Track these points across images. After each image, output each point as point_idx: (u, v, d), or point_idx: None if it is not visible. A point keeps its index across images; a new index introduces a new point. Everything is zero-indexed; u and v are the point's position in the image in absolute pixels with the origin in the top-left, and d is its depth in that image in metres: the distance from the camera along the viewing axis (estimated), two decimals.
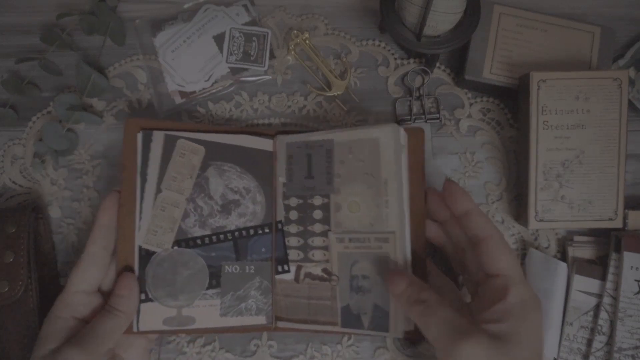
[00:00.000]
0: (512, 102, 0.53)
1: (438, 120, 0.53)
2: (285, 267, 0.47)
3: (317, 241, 0.46)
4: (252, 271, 0.47)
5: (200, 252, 0.46)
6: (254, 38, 0.53)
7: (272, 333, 0.50)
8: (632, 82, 0.52)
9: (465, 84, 0.53)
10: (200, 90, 0.53)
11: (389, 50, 0.55)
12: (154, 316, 0.45)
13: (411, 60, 0.55)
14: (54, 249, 0.51)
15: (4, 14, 0.56)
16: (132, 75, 0.54)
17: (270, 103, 0.54)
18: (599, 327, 0.47)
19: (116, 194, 0.46)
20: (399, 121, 0.53)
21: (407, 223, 0.44)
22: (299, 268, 0.47)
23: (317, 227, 0.47)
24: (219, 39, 0.53)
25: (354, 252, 0.45)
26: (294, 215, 0.47)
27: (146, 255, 0.46)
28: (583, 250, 0.49)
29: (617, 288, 0.47)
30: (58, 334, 0.42)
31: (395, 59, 0.54)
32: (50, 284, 0.50)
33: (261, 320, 0.47)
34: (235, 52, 0.53)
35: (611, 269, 0.47)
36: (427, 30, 0.48)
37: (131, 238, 0.46)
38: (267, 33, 0.53)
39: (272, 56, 0.54)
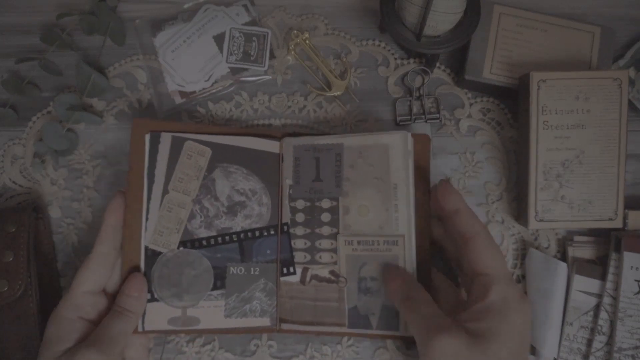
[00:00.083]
0: (512, 102, 0.53)
1: (438, 120, 0.53)
2: (291, 269, 0.47)
3: (325, 243, 0.47)
4: (257, 273, 0.47)
5: (205, 253, 0.47)
6: (254, 38, 0.53)
7: (272, 333, 0.50)
8: (632, 82, 0.52)
9: (465, 84, 0.53)
10: (200, 90, 0.53)
11: (389, 50, 0.55)
12: (159, 316, 0.46)
13: (411, 60, 0.55)
14: (54, 249, 0.51)
15: (4, 14, 0.56)
16: (132, 75, 0.54)
17: (270, 103, 0.54)
18: (599, 327, 0.47)
19: (123, 195, 0.46)
20: (399, 121, 0.53)
21: (413, 226, 0.45)
22: (305, 270, 0.47)
23: (325, 230, 0.47)
24: (219, 39, 0.53)
25: (363, 254, 0.46)
26: (300, 217, 0.47)
27: (152, 256, 0.46)
28: (583, 250, 0.49)
29: (617, 288, 0.47)
30: (68, 334, 0.42)
31: (395, 59, 0.54)
32: (50, 284, 0.50)
33: (265, 322, 0.47)
34: (235, 52, 0.53)
35: (611, 269, 0.47)
36: (427, 30, 0.48)
37: (137, 238, 0.46)
38: (267, 33, 0.53)
39: (272, 56, 0.54)
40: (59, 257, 0.51)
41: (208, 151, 0.47)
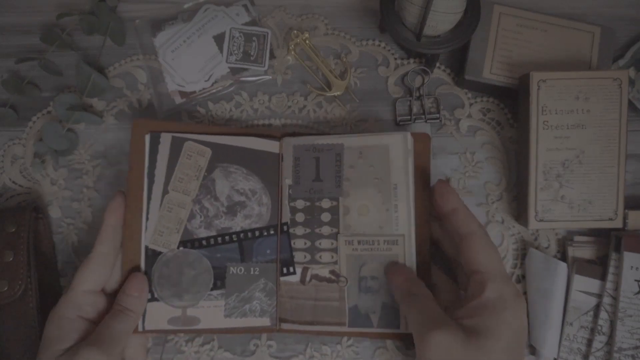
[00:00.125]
0: (512, 102, 0.53)
1: (438, 120, 0.53)
2: (291, 269, 0.47)
3: (325, 243, 0.47)
4: (256, 273, 0.47)
5: (205, 253, 0.47)
6: (254, 38, 0.53)
7: (271, 333, 0.50)
8: (632, 82, 0.52)
9: (465, 84, 0.53)
10: (200, 90, 0.53)
11: (389, 50, 0.55)
12: (159, 316, 0.46)
13: (411, 60, 0.55)
14: (54, 249, 0.51)
15: (4, 14, 0.56)
16: (132, 75, 0.54)
17: (270, 103, 0.54)
18: (599, 327, 0.47)
19: (123, 195, 0.46)
20: (399, 121, 0.53)
21: (413, 226, 0.45)
22: (305, 270, 0.47)
23: (325, 230, 0.47)
24: (219, 39, 0.53)
25: (363, 254, 0.46)
26: (300, 217, 0.47)
27: (152, 256, 0.46)
28: (583, 250, 0.49)
29: (617, 288, 0.47)
30: (68, 334, 0.42)
31: (395, 59, 0.54)
32: (50, 284, 0.50)
33: (265, 321, 0.47)
34: (235, 52, 0.53)
35: (611, 269, 0.47)
36: (427, 30, 0.48)
37: (138, 238, 0.46)
38: (267, 33, 0.53)
39: (272, 56, 0.54)
40: (59, 257, 0.51)
41: (208, 151, 0.47)
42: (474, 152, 0.53)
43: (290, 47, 0.54)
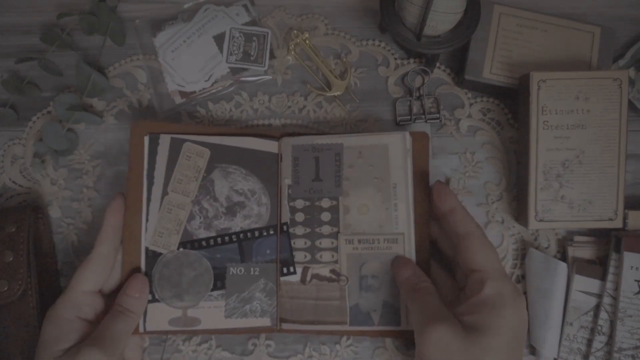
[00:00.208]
0: (512, 102, 0.53)
1: (438, 120, 0.53)
2: (291, 269, 0.47)
3: (325, 243, 0.47)
4: (256, 273, 0.47)
5: (205, 253, 0.47)
6: (254, 38, 0.53)
7: (271, 333, 0.50)
8: (632, 82, 0.52)
9: (465, 84, 0.53)
10: (200, 90, 0.53)
11: (389, 50, 0.55)
12: (160, 317, 0.46)
13: (411, 60, 0.55)
14: (54, 249, 0.51)
15: (4, 14, 0.56)
16: (132, 75, 0.54)
17: (270, 103, 0.54)
18: (599, 327, 0.47)
19: (123, 196, 0.46)
20: (399, 121, 0.53)
21: (412, 224, 0.46)
22: (305, 269, 0.47)
23: (325, 229, 0.47)
24: (219, 39, 0.53)
25: (363, 253, 0.46)
26: (300, 217, 0.48)
27: (153, 257, 0.46)
28: (583, 250, 0.49)
29: (617, 288, 0.47)
30: (66, 334, 0.42)
31: (395, 59, 0.54)
32: (50, 284, 0.50)
33: (266, 322, 0.47)
34: (235, 52, 0.53)
35: (611, 269, 0.47)
36: (427, 30, 0.48)
37: (137, 239, 0.46)
38: (267, 33, 0.53)
39: (272, 56, 0.54)
40: (59, 257, 0.51)
41: (207, 152, 0.47)
42: (474, 152, 0.53)
43: (290, 47, 0.54)
